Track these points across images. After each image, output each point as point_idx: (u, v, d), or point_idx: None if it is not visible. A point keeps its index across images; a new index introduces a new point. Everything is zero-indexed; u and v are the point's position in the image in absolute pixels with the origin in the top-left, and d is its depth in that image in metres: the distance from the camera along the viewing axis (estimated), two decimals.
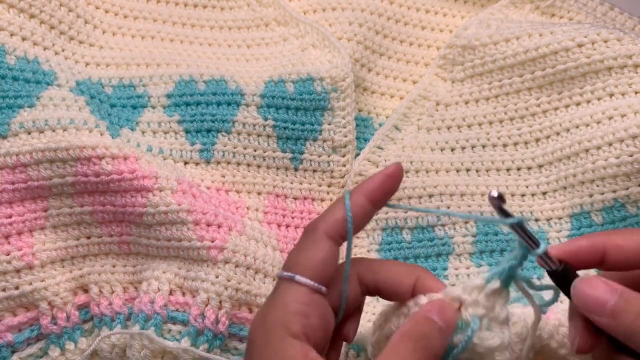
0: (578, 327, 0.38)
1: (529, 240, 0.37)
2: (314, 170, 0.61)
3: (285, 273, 0.39)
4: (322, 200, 0.62)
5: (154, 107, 0.60)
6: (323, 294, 0.39)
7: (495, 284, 0.37)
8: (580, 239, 0.39)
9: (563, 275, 0.38)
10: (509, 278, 0.37)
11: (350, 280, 0.40)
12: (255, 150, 0.60)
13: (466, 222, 0.59)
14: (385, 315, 0.42)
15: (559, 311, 0.45)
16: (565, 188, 0.59)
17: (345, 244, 0.40)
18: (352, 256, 0.40)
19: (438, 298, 0.38)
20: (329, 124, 0.61)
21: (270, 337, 0.37)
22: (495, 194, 0.36)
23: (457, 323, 0.37)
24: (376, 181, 0.40)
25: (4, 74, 0.56)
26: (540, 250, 0.37)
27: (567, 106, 0.60)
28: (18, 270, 0.53)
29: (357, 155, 0.62)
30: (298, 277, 0.38)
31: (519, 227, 0.37)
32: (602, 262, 0.38)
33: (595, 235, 0.39)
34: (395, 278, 0.40)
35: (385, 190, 0.40)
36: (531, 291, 0.39)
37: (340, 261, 0.41)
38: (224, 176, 0.60)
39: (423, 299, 0.39)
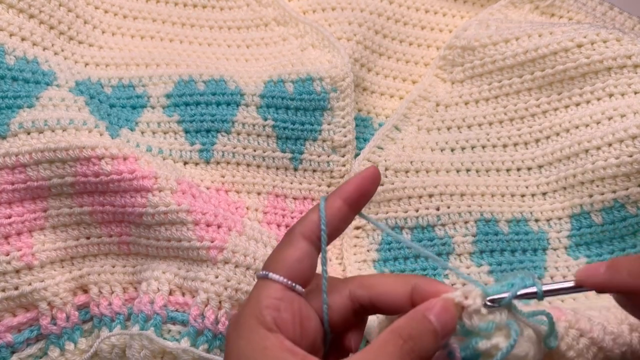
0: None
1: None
2: (314, 170, 0.61)
3: (261, 272, 0.39)
4: None
5: (153, 107, 0.60)
6: (298, 293, 0.39)
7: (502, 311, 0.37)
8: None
9: None
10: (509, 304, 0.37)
11: (341, 295, 0.40)
12: (255, 150, 0.60)
13: (466, 222, 0.59)
14: (385, 325, 0.41)
15: (569, 312, 0.45)
16: (565, 188, 0.59)
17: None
18: (348, 273, 0.40)
19: (443, 297, 0.37)
20: (329, 124, 0.61)
21: (243, 330, 0.37)
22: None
23: (457, 327, 0.36)
24: (352, 184, 0.40)
25: (3, 74, 0.56)
26: (540, 296, 0.37)
27: (566, 107, 0.60)
28: (17, 271, 0.53)
29: (357, 155, 0.62)
30: (271, 275, 0.39)
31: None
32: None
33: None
34: (390, 290, 0.39)
35: (362, 192, 0.40)
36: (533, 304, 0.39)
37: (337, 275, 0.41)
38: (223, 176, 0.60)
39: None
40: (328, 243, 0.40)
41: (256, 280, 0.40)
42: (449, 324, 0.36)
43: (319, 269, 0.40)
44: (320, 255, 0.40)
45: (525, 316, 0.38)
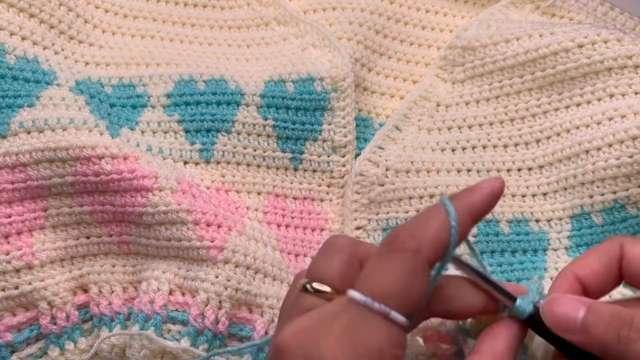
0: None
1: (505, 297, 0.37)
2: (314, 170, 0.61)
3: (377, 305, 0.32)
4: (322, 200, 0.62)
5: (153, 107, 0.60)
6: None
7: None
8: (558, 279, 0.37)
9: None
10: None
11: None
12: (255, 150, 0.60)
13: None
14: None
15: None
16: (565, 189, 0.59)
17: None
18: None
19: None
20: (329, 124, 0.61)
21: None
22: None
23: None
24: (481, 199, 0.35)
25: (3, 74, 0.56)
26: (518, 307, 0.36)
27: (567, 107, 0.60)
28: (17, 270, 0.53)
29: (357, 155, 0.62)
30: (395, 315, 0.32)
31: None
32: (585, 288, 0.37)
33: (568, 268, 0.37)
34: (467, 304, 0.36)
35: (488, 208, 0.35)
36: None
37: None
38: (223, 176, 0.59)
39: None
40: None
41: (350, 301, 0.32)
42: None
43: None
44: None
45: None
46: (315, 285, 0.34)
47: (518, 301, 0.36)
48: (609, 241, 0.37)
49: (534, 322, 0.36)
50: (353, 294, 0.32)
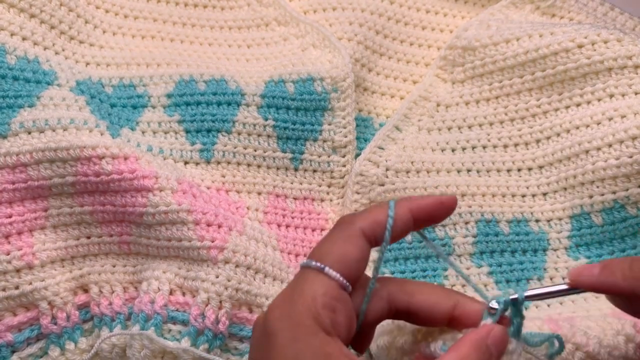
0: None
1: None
2: (314, 171, 0.61)
3: (314, 263, 0.36)
4: (322, 200, 0.62)
5: (154, 107, 0.60)
6: (348, 293, 0.37)
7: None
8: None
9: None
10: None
11: (379, 296, 0.38)
12: (255, 150, 0.60)
13: (467, 223, 0.59)
14: (388, 331, 0.41)
15: (565, 326, 0.45)
16: (565, 189, 0.59)
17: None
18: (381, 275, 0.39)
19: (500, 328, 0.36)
20: (329, 124, 0.61)
21: (299, 331, 0.34)
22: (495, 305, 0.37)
23: None
24: (428, 202, 0.39)
25: (4, 74, 0.56)
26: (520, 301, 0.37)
27: (567, 107, 0.60)
28: (18, 270, 0.53)
29: (358, 155, 0.62)
30: (328, 270, 0.36)
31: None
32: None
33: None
34: (432, 302, 0.38)
35: (432, 213, 0.39)
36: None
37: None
38: (224, 176, 0.60)
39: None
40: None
41: (301, 268, 0.37)
42: (502, 349, 0.36)
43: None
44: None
45: (537, 339, 0.38)
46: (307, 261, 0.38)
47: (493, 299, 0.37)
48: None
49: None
50: (301, 260, 0.37)
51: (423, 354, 0.39)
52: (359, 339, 0.39)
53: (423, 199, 0.39)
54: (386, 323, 0.41)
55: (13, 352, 0.54)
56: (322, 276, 0.36)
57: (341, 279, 0.36)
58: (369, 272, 0.39)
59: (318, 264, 0.36)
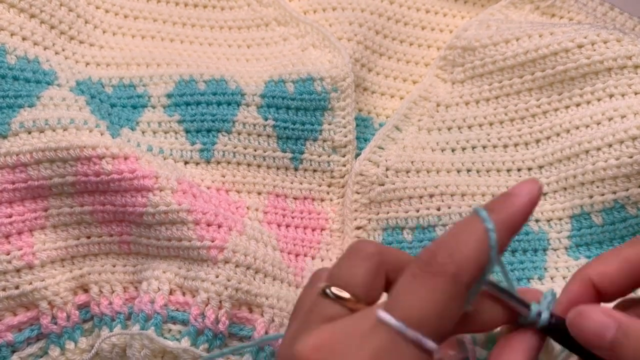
0: None
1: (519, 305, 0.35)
2: (314, 170, 0.61)
3: (411, 332, 0.30)
4: (322, 200, 0.62)
5: (154, 107, 0.60)
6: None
7: None
8: (571, 282, 0.35)
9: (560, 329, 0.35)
10: None
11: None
12: (255, 150, 0.60)
13: None
14: None
15: None
16: (565, 189, 0.59)
17: None
18: None
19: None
20: (329, 124, 0.61)
21: None
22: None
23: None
24: (520, 207, 0.32)
25: (4, 74, 0.56)
26: (532, 314, 0.34)
27: (567, 107, 0.60)
28: (18, 270, 0.53)
29: (357, 155, 0.62)
30: (427, 342, 0.30)
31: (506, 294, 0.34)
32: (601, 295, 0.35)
33: (582, 270, 0.35)
34: (489, 319, 0.34)
35: (526, 219, 0.33)
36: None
37: None
38: (224, 176, 0.60)
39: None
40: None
41: (379, 323, 0.30)
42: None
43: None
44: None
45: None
46: (336, 291, 0.33)
47: (533, 308, 0.34)
48: (632, 246, 0.35)
49: (552, 329, 0.35)
50: (384, 315, 0.30)
51: (451, 343, 0.37)
52: None
53: (515, 209, 0.32)
54: None
55: (13, 352, 0.54)
56: (418, 351, 0.30)
57: (437, 349, 0.30)
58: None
59: (416, 335, 0.30)
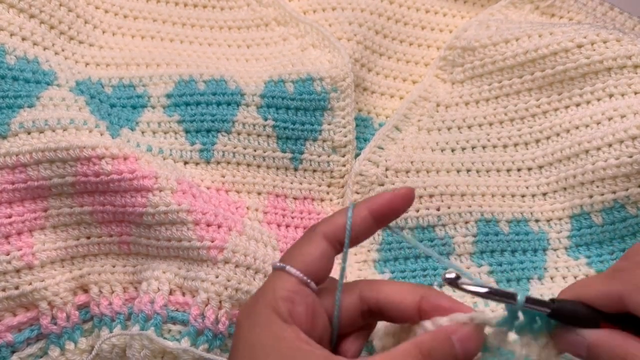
0: None
1: (505, 298, 0.36)
2: (314, 170, 0.61)
3: (278, 264, 0.40)
4: (322, 200, 0.62)
5: (153, 107, 0.60)
6: (312, 289, 0.40)
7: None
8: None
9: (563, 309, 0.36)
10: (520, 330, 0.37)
11: (351, 296, 0.41)
12: (255, 150, 0.60)
13: (467, 222, 0.59)
14: (392, 332, 0.41)
15: None
16: (565, 189, 0.59)
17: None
18: (349, 274, 0.40)
19: (466, 321, 0.36)
20: (329, 124, 0.61)
21: (258, 318, 0.38)
22: (451, 275, 0.37)
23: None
24: (383, 198, 0.41)
25: (3, 74, 0.56)
26: (519, 304, 0.36)
27: (566, 107, 0.60)
28: (18, 270, 0.53)
29: (357, 155, 0.62)
30: (288, 268, 0.39)
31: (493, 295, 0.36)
32: None
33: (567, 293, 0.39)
34: (398, 296, 0.40)
35: (391, 209, 0.41)
36: None
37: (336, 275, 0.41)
38: (223, 176, 0.60)
39: (444, 320, 0.37)
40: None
41: (272, 270, 0.41)
42: (472, 351, 0.36)
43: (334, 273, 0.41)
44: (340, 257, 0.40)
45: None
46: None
47: (519, 298, 0.36)
48: (608, 286, 0.37)
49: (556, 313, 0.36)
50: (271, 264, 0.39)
51: None
52: (347, 342, 0.41)
53: (379, 197, 0.41)
54: (390, 324, 0.42)
55: (13, 352, 0.54)
56: (284, 274, 0.39)
57: (300, 274, 0.39)
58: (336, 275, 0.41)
59: (280, 264, 0.40)
